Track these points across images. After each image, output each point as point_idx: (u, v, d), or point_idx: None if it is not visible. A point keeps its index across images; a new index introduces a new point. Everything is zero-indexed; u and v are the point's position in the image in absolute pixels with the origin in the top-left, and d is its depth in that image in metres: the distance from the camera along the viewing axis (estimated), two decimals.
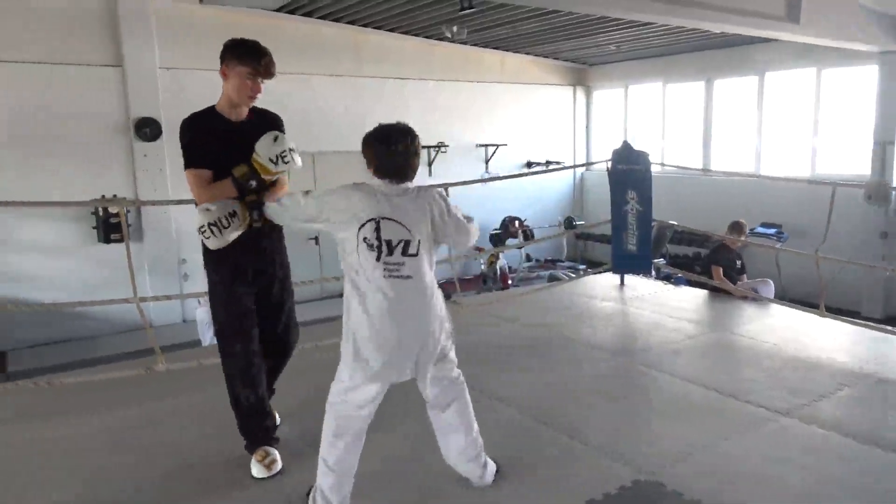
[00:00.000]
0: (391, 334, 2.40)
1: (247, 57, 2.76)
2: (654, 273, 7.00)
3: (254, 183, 2.69)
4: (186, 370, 3.97)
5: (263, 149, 2.69)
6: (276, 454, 2.90)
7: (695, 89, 11.75)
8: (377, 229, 2.36)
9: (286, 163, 2.70)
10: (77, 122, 8.65)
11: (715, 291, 5.91)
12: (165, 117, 9.07)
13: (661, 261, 9.59)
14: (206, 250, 2.78)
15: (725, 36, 9.66)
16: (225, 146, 2.74)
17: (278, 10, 9.04)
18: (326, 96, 10.46)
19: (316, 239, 10.66)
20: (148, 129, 8.93)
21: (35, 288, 8.53)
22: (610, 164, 5.89)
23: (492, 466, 2.78)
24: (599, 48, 11.67)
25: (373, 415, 2.52)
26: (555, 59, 12.86)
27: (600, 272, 6.69)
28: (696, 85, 11.70)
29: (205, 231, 2.62)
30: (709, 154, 11.63)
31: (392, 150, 2.43)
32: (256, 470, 2.84)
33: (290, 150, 2.71)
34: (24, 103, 8.30)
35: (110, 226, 8.65)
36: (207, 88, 10.06)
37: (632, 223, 5.78)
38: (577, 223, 12.29)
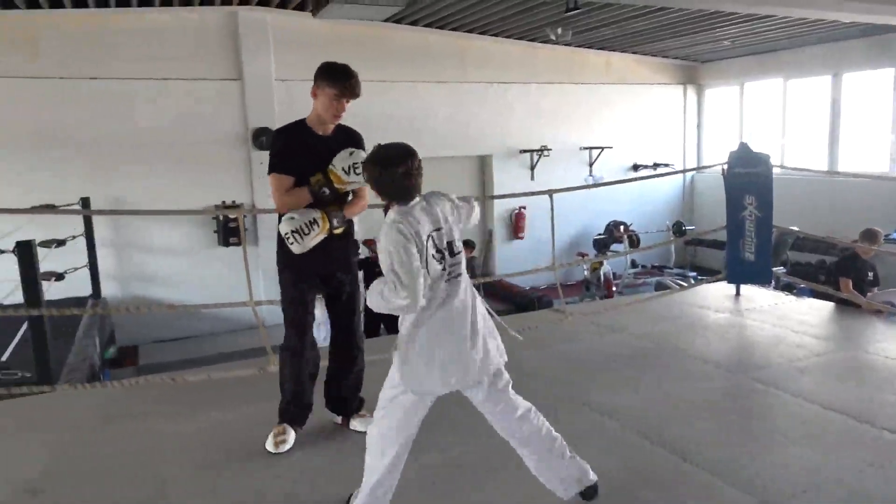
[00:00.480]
0: (468, 342, 2.41)
1: (335, 80, 2.95)
2: (773, 283, 6.55)
3: (327, 191, 2.92)
4: None
5: (339, 160, 2.94)
6: (291, 437, 3.13)
7: (820, 84, 10.92)
8: (434, 241, 2.36)
9: (357, 174, 2.89)
10: (200, 134, 9.28)
11: (843, 304, 5.44)
12: (279, 126, 9.53)
13: (782, 269, 8.98)
14: (278, 252, 3.09)
15: (856, 25, 8.91)
16: (310, 157, 2.97)
17: (386, 20, 9.26)
18: (431, 102, 10.62)
19: None
20: (264, 138, 9.42)
21: (163, 287, 9.23)
22: (726, 167, 5.57)
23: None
24: (713, 44, 11.11)
25: (419, 425, 2.48)
26: (664, 57, 12.39)
27: (714, 281, 6.34)
28: (821, 80, 10.87)
29: (288, 238, 2.88)
30: (835, 154, 10.77)
31: (392, 173, 2.33)
32: (268, 443, 3.11)
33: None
34: (151, 117, 9.00)
35: (229, 230, 9.20)
36: None
37: (750, 230, 5.44)
38: (687, 228, 11.75)
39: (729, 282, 5.85)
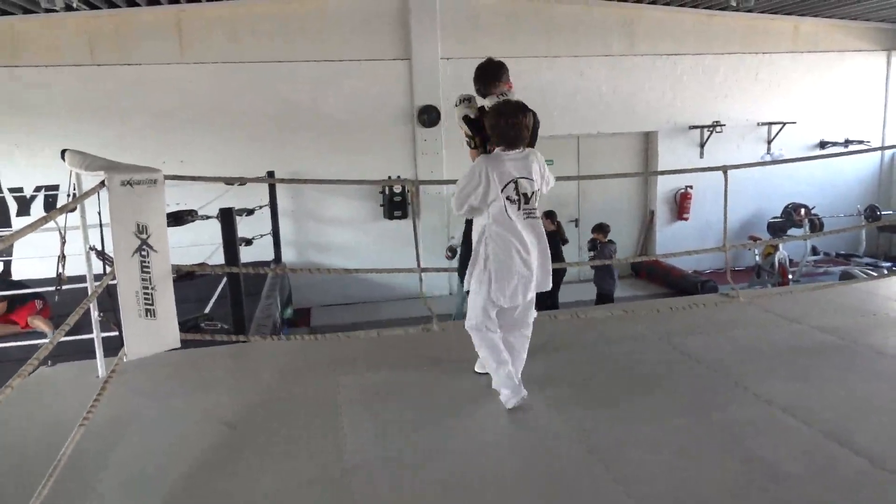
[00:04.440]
0: (523, 263, 3.24)
1: (475, 81, 3.66)
2: None
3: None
4: (456, 337, 4.28)
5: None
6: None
7: None
8: (515, 187, 3.18)
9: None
10: (370, 112, 9.79)
11: None
12: (444, 105, 9.80)
13: None
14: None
15: None
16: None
17: None
18: (595, 77, 10.34)
19: (576, 222, 10.67)
20: (427, 116, 9.73)
21: (334, 254, 9.95)
22: None
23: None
24: None
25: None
26: (864, 20, 11.01)
27: None
28: None
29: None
30: None
31: (508, 124, 3.17)
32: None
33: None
34: (328, 97, 9.64)
35: (394, 204, 9.67)
36: None
37: None
38: (883, 213, 10.47)
39: None
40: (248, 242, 7.92)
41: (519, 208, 3.18)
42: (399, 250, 9.19)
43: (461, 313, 8.18)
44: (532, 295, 3.34)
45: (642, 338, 4.34)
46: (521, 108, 3.19)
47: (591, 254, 8.53)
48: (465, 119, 3.51)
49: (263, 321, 6.17)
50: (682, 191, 11.05)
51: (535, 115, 3.42)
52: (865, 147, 10.90)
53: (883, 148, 11.32)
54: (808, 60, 11.11)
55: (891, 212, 10.71)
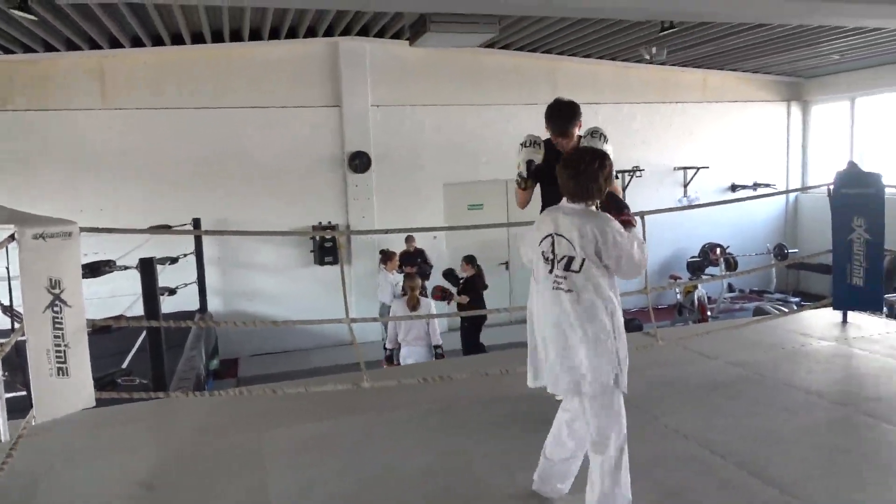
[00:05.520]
0: (542, 343, 2.63)
1: (548, 118, 3.49)
2: (886, 310, 6.12)
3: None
4: (387, 388, 4.26)
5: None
6: None
7: None
8: (552, 244, 2.58)
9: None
10: (301, 158, 9.80)
11: None
12: (374, 150, 9.92)
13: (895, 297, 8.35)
14: None
15: None
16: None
17: (479, 45, 9.46)
18: (522, 125, 10.62)
19: (506, 264, 10.88)
20: (359, 161, 9.81)
21: (262, 303, 9.75)
22: (832, 187, 5.30)
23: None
24: (819, 59, 10.59)
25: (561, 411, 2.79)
26: (765, 73, 11.92)
27: (818, 307, 6.00)
28: None
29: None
30: None
31: (562, 173, 2.62)
32: None
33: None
34: (257, 144, 9.60)
35: (325, 250, 9.62)
36: (412, 122, 10.91)
37: (858, 253, 5.13)
38: (790, 252, 11.16)
39: (835, 308, 5.52)
40: (172, 292, 7.68)
41: (551, 271, 2.57)
42: (331, 297, 9.09)
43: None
44: (560, 389, 2.60)
45: None
46: (579, 157, 2.67)
47: None
48: (528, 162, 3.46)
49: (186, 374, 5.96)
50: None
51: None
52: (772, 190, 11.65)
53: (787, 191, 12.14)
54: (717, 109, 11.89)
55: (797, 250, 11.42)
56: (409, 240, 9.13)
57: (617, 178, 3.42)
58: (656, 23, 7.93)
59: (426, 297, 7.34)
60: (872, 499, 2.85)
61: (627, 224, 2.64)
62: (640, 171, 11.25)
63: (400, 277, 8.52)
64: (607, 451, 2.53)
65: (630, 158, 11.30)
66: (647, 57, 9.58)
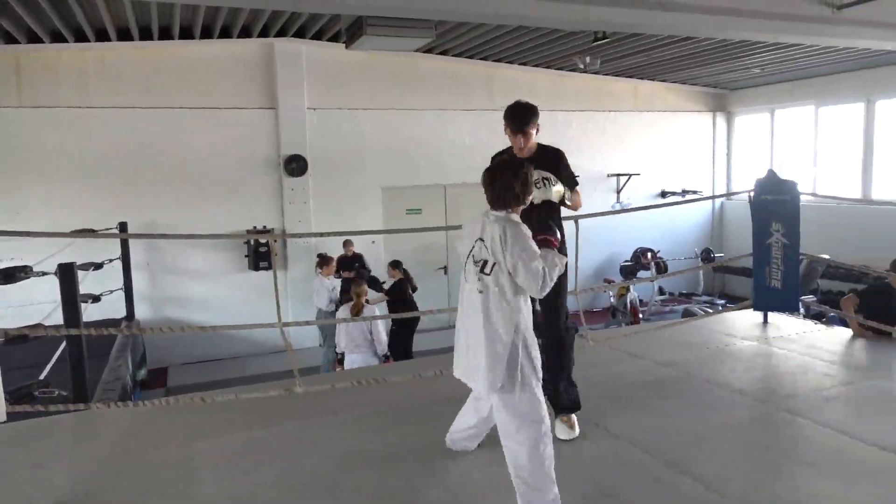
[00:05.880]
0: (457, 336, 2.86)
1: (507, 119, 3.48)
2: (802, 311, 6.45)
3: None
4: (321, 393, 4.20)
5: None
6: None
7: (853, 111, 10.82)
8: (475, 247, 2.77)
9: (537, 188, 3.24)
10: (234, 161, 9.56)
11: (876, 333, 5.34)
12: (311, 154, 9.78)
13: (812, 298, 8.83)
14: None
15: (888, 53, 8.85)
16: None
17: (416, 50, 9.48)
18: (459, 130, 10.77)
19: (444, 268, 10.91)
20: (295, 164, 9.65)
21: (194, 310, 9.43)
22: (752, 193, 5.56)
23: None
24: (742, 72, 11.11)
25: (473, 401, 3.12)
26: (692, 84, 12.42)
27: (740, 308, 6.28)
28: (854, 107, 10.78)
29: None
30: (869, 182, 10.62)
31: (483, 182, 2.80)
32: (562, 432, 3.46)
33: (545, 178, 3.31)
34: (189, 145, 9.31)
35: (259, 254, 9.39)
36: (350, 126, 10.78)
37: (776, 257, 5.39)
38: (716, 256, 11.63)
39: (755, 309, 5.79)
40: (96, 299, 7.35)
41: (473, 272, 2.76)
42: (266, 302, 8.83)
43: (328, 365, 8.04)
44: (478, 386, 2.77)
45: None
46: (496, 168, 2.88)
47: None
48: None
49: (111, 385, 5.70)
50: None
51: (554, 153, 3.55)
52: (699, 196, 12.12)
53: (713, 197, 12.67)
54: (647, 118, 12.30)
55: (723, 254, 11.91)
56: (346, 244, 9.04)
57: (577, 183, 3.60)
58: (590, 33, 8.14)
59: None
60: (791, 492, 2.98)
61: (545, 243, 2.77)
62: (575, 177, 11.48)
63: (337, 282, 8.43)
64: (519, 444, 2.65)
65: None
66: (582, 66, 9.82)
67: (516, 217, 2.77)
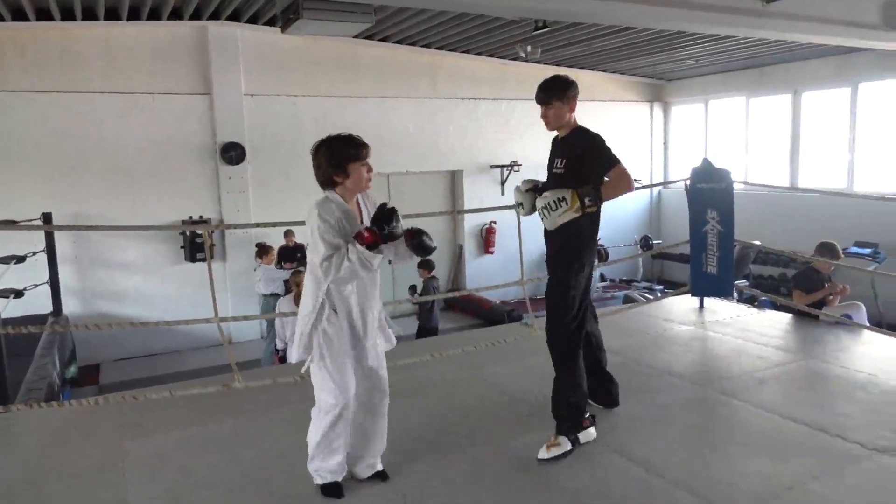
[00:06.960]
0: None
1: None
2: (736, 296, 6.68)
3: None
4: (262, 388, 4.08)
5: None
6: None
7: (781, 102, 11.25)
8: None
9: (544, 217, 3.23)
10: (167, 148, 9.19)
11: (803, 316, 5.58)
12: (249, 141, 9.50)
13: (744, 283, 9.16)
14: (572, 244, 3.30)
15: (815, 46, 9.21)
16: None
17: (356, 36, 9.30)
18: (402, 118, 10.66)
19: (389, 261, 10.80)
20: (233, 152, 9.36)
21: (127, 304, 9.07)
22: (688, 182, 5.69)
23: None
24: (678, 63, 11.39)
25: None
26: (631, 75, 12.65)
27: (678, 294, 6.45)
28: (782, 98, 11.21)
29: (540, 213, 3.24)
30: (796, 170, 11.09)
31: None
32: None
33: (557, 200, 3.13)
34: (117, 132, 8.90)
35: (196, 246, 9.08)
36: (289, 113, 10.52)
37: (712, 244, 5.55)
38: (654, 243, 11.94)
39: (692, 295, 5.95)
40: (19, 294, 6.96)
41: None
42: (204, 295, 8.60)
43: (270, 358, 7.86)
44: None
45: (456, 375, 4.47)
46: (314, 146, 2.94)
47: (415, 293, 8.51)
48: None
49: (36, 385, 5.40)
50: (488, 226, 11.71)
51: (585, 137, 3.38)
52: (638, 185, 12.37)
53: (651, 185, 12.98)
54: (588, 108, 12.32)
55: (660, 241, 12.23)
56: (288, 234, 8.83)
57: (614, 164, 3.32)
58: (531, 22, 8.15)
59: None
60: (727, 471, 3.07)
61: (359, 237, 2.73)
62: (518, 165, 11.57)
63: (286, 273, 8.23)
64: (315, 411, 2.82)
65: (508, 153, 11.60)
66: (523, 55, 9.85)
67: (329, 195, 2.85)
